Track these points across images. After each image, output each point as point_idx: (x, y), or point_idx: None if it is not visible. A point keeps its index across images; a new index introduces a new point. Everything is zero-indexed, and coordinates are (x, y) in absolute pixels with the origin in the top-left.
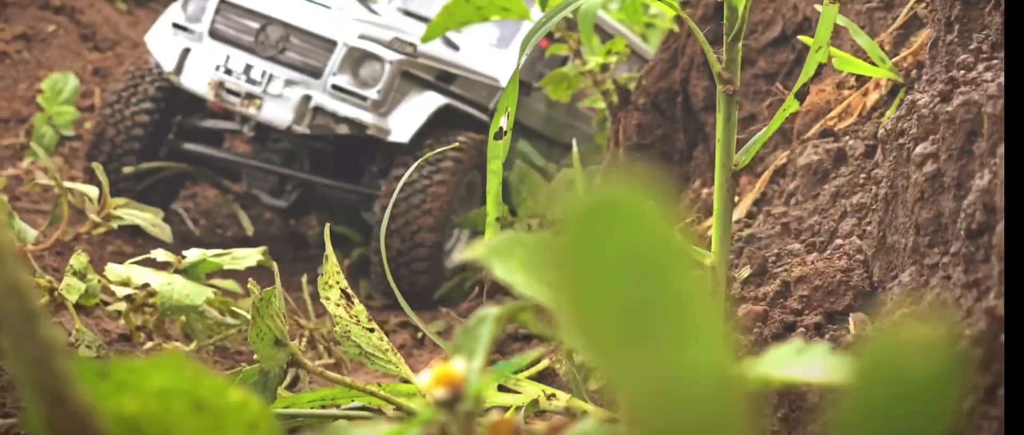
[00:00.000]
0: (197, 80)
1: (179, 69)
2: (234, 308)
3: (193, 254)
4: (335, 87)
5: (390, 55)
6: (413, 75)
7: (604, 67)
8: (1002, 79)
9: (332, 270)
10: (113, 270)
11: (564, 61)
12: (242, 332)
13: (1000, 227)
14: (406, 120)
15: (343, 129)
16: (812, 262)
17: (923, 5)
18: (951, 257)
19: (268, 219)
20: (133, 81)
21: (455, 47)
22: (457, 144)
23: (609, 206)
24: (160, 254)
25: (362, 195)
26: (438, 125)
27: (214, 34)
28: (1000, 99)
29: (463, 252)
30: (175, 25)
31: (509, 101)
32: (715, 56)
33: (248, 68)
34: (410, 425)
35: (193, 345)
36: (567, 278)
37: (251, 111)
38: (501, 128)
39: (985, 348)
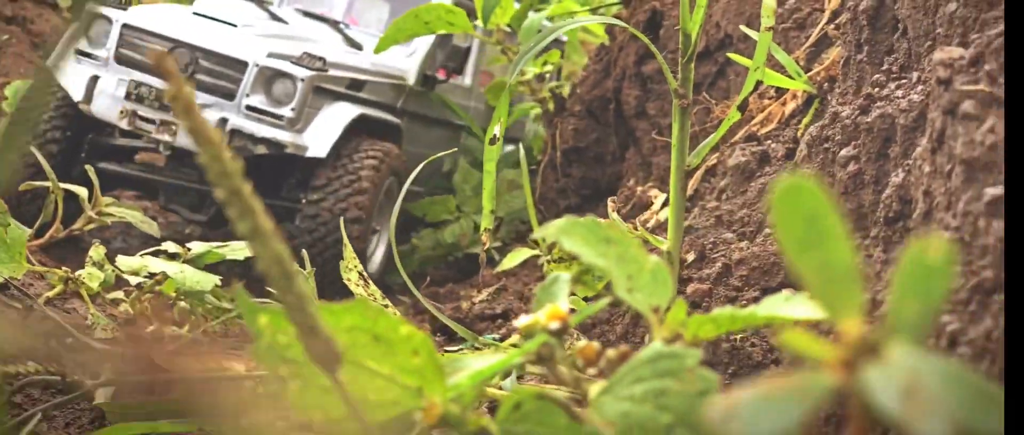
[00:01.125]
0: (108, 109)
1: (88, 98)
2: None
3: (198, 246)
4: (249, 108)
5: (301, 72)
6: (324, 88)
7: (540, 77)
8: (913, 96)
9: (350, 257)
10: (124, 261)
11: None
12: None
13: (916, 212)
14: (322, 135)
15: (261, 149)
16: (747, 248)
17: (833, 27)
18: (871, 240)
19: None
20: (36, 104)
21: (359, 46)
22: (377, 153)
23: (796, 185)
24: (170, 246)
25: (281, 208)
26: (352, 134)
27: (120, 60)
28: (911, 112)
29: (542, 231)
30: (78, 52)
31: (501, 112)
32: (672, 72)
33: (160, 94)
34: (530, 345)
35: (185, 328)
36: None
37: (166, 138)
38: (495, 134)
39: None
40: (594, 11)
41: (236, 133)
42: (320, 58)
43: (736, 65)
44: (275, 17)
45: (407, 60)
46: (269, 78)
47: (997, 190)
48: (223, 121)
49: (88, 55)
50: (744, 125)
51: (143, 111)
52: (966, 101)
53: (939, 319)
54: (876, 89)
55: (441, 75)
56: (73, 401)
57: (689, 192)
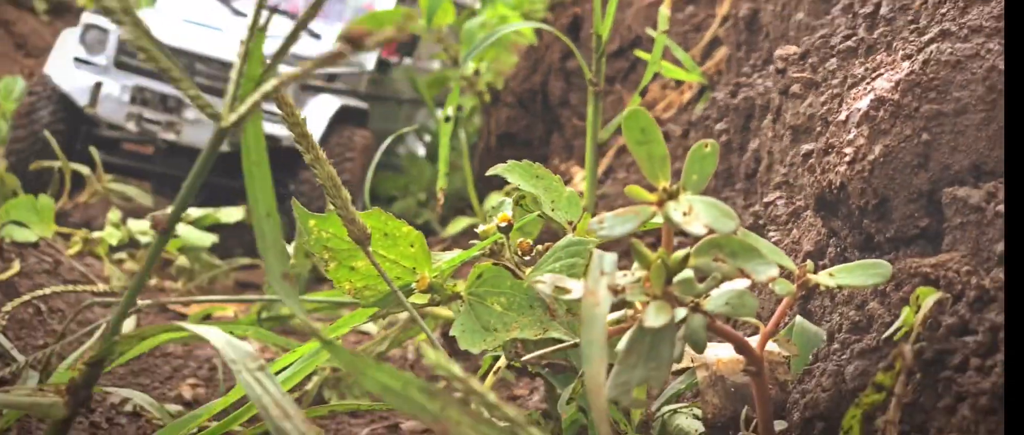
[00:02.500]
0: (115, 112)
1: (94, 102)
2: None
3: (196, 211)
4: None
5: (289, 69)
6: (308, 84)
7: (477, 72)
8: (767, 83)
9: None
10: (134, 223)
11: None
12: (227, 273)
13: (762, 167)
14: (311, 127)
15: None
16: None
17: (722, 30)
18: (736, 191)
19: None
20: (38, 103)
21: (318, 37)
22: (359, 140)
23: (635, 111)
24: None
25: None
26: (335, 123)
27: (121, 66)
28: (766, 95)
29: (493, 170)
30: (78, 59)
31: (453, 99)
32: (588, 65)
33: (164, 97)
34: (487, 241)
35: (180, 282)
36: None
37: (171, 137)
38: (448, 115)
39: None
40: (525, 16)
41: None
42: (300, 56)
43: (646, 61)
44: (238, 13)
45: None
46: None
47: (810, 146)
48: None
49: (87, 62)
50: (650, 111)
51: (148, 113)
52: (794, 84)
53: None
54: (743, 78)
55: (394, 59)
56: None
57: (604, 167)
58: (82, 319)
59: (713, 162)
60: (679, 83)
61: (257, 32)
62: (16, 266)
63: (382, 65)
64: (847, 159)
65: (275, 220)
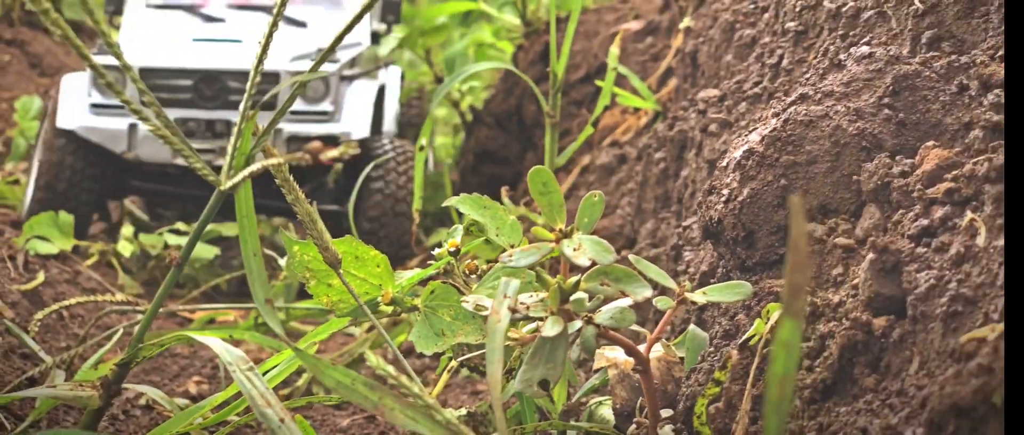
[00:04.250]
0: (158, 151)
1: (132, 146)
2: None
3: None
4: (293, 112)
5: (328, 67)
6: (343, 76)
7: (461, 93)
8: (698, 118)
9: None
10: (146, 237)
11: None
12: (229, 282)
13: (688, 193)
14: (357, 117)
15: (316, 146)
16: (604, 222)
17: (674, 61)
18: (671, 213)
19: None
20: (64, 161)
21: (304, 24)
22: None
23: (539, 169)
24: (180, 225)
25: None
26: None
27: (149, 103)
28: (696, 129)
29: (448, 201)
30: (96, 106)
31: (426, 130)
32: (544, 97)
33: (210, 124)
34: (439, 263)
35: (186, 290)
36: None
37: (222, 164)
38: (422, 145)
39: (678, 250)
40: (509, 39)
41: (293, 139)
42: (303, 55)
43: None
44: (212, 18)
45: (362, 29)
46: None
47: (724, 181)
48: (278, 131)
49: (107, 107)
50: (610, 134)
51: (197, 144)
52: (712, 124)
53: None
54: (681, 112)
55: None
56: None
57: (569, 184)
58: (100, 324)
59: (600, 209)
60: (637, 109)
61: (248, 117)
62: (41, 276)
63: (375, 37)
64: (724, 198)
65: (260, 259)
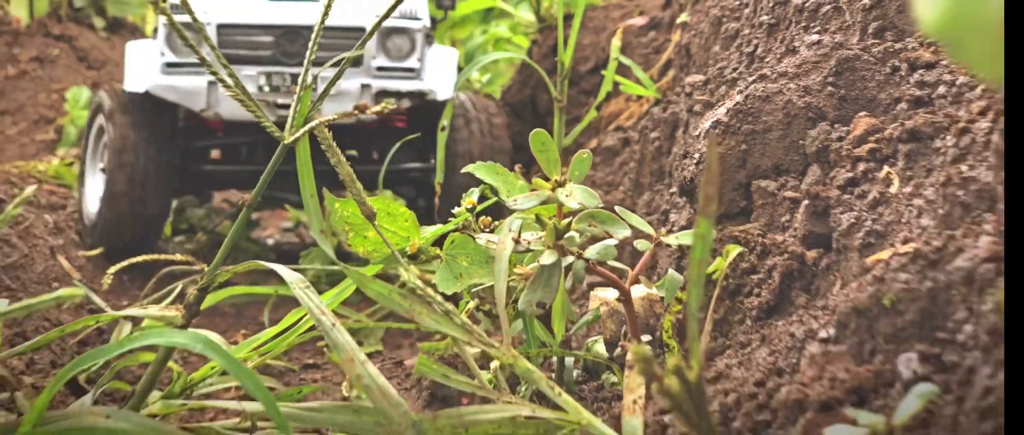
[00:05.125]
0: (240, 108)
1: (212, 103)
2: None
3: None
4: (380, 68)
5: (414, 24)
6: (426, 34)
7: (481, 83)
8: (684, 101)
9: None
10: (194, 210)
11: None
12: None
13: (688, 166)
14: (441, 77)
15: (405, 103)
16: (604, 196)
17: (673, 54)
18: (664, 185)
19: None
20: (134, 128)
21: None
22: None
23: (539, 131)
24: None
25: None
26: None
27: (231, 59)
28: (684, 111)
29: (467, 168)
30: (170, 65)
31: (447, 113)
32: (554, 85)
33: (294, 78)
34: (458, 219)
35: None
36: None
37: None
38: (443, 125)
39: (666, 213)
40: (525, 34)
41: (382, 93)
42: (412, 6)
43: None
44: None
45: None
46: (384, 36)
47: (696, 146)
48: (366, 87)
49: (181, 65)
50: (615, 120)
51: (282, 100)
52: (697, 104)
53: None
54: (674, 96)
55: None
56: None
57: None
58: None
59: (588, 164)
60: (640, 97)
61: (306, 85)
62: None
63: (432, 22)
64: (695, 161)
65: (316, 200)
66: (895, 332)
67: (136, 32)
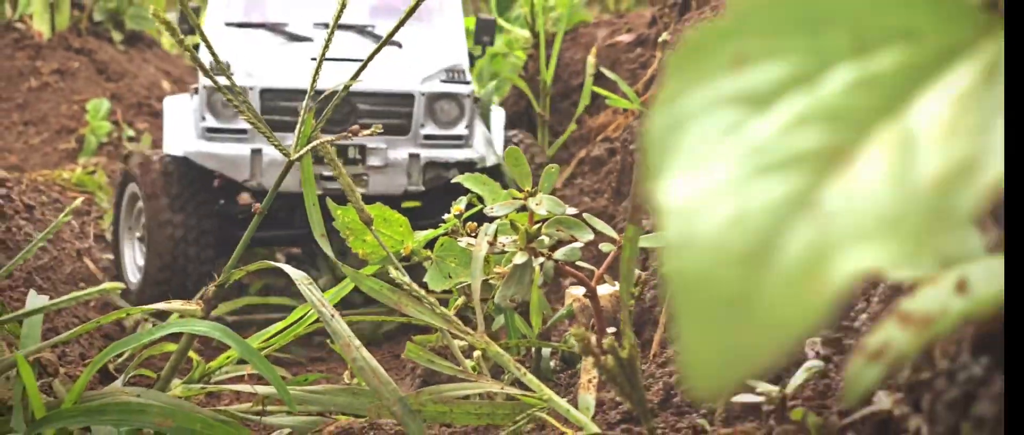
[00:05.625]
0: (293, 179)
1: (255, 173)
2: None
3: None
4: (428, 137)
5: (463, 89)
6: (475, 98)
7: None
8: None
9: None
10: None
11: None
12: (274, 252)
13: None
14: (488, 142)
15: (454, 174)
16: (590, 203)
17: (657, 69)
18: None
19: None
20: (174, 194)
21: (399, 45)
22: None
23: (513, 149)
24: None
25: None
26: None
27: (274, 127)
28: None
29: (458, 178)
30: (211, 130)
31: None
32: (537, 102)
33: (341, 150)
34: (447, 225)
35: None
36: None
37: (359, 190)
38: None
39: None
40: (522, 49)
41: (431, 165)
42: (460, 70)
43: (600, 93)
44: (297, 37)
45: (459, 46)
46: (432, 102)
47: None
48: (415, 157)
49: (225, 131)
50: (603, 131)
51: (328, 171)
52: None
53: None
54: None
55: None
56: None
57: (567, 174)
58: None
59: (555, 177)
60: (626, 109)
61: (307, 115)
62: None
63: (472, 59)
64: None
65: (317, 209)
66: None
67: (153, 45)
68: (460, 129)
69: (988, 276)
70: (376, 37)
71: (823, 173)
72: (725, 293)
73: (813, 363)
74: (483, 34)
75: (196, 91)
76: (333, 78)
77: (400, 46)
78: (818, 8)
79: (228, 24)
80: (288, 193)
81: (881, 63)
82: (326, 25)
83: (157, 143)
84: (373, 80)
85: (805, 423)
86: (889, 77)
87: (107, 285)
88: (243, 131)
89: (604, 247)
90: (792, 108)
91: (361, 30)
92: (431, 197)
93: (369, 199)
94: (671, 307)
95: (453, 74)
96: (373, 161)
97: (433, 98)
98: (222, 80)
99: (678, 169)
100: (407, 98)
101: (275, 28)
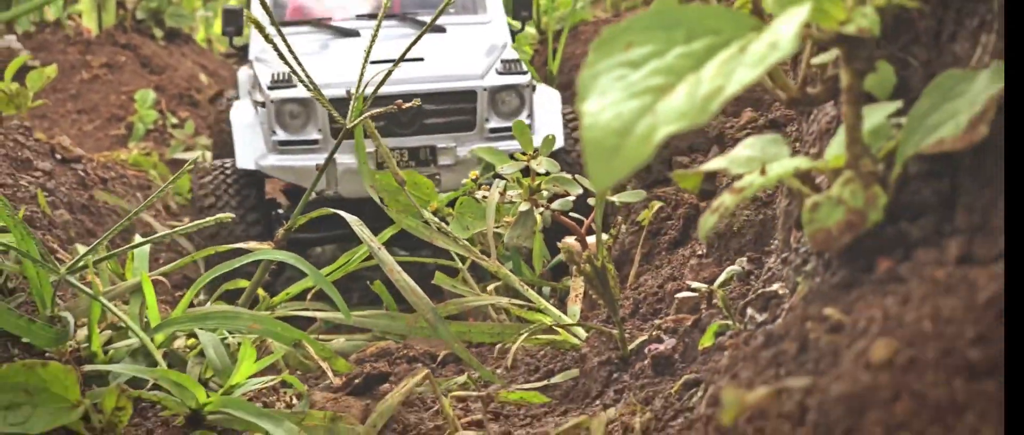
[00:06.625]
0: (360, 186)
1: (332, 183)
2: None
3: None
4: (493, 130)
5: (521, 80)
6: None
7: None
8: None
9: None
10: None
11: None
12: None
13: None
14: (551, 128)
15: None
16: None
17: None
18: None
19: None
20: (247, 216)
21: (443, 29)
22: None
23: (519, 122)
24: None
25: None
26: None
27: (339, 133)
28: None
29: (472, 149)
30: (283, 143)
31: None
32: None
33: (414, 152)
34: (465, 187)
35: None
36: None
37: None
38: None
39: (623, 187)
40: (529, 44)
41: None
42: (514, 60)
43: None
44: (346, 32)
45: (503, 28)
46: (493, 95)
47: None
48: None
49: (296, 143)
50: None
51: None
52: None
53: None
54: None
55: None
56: None
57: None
58: None
59: (553, 143)
60: None
61: (358, 94)
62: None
63: (513, 35)
64: None
65: (368, 165)
66: (739, 247)
67: (190, 41)
68: (522, 118)
69: (779, 166)
70: (419, 24)
71: (658, 97)
72: (609, 147)
73: (733, 268)
74: (521, 9)
75: (262, 105)
76: (404, 80)
77: (444, 31)
78: (670, 18)
79: (274, 25)
80: (350, 200)
81: (697, 46)
82: (371, 16)
83: (199, 130)
84: (435, 81)
85: (721, 305)
86: (699, 52)
87: (221, 216)
88: (314, 142)
89: (592, 201)
90: (650, 68)
91: (403, 18)
92: None
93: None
94: (642, 249)
95: (509, 65)
96: (444, 160)
97: (494, 91)
98: (289, 92)
99: (593, 96)
100: (470, 95)
101: (320, 23)
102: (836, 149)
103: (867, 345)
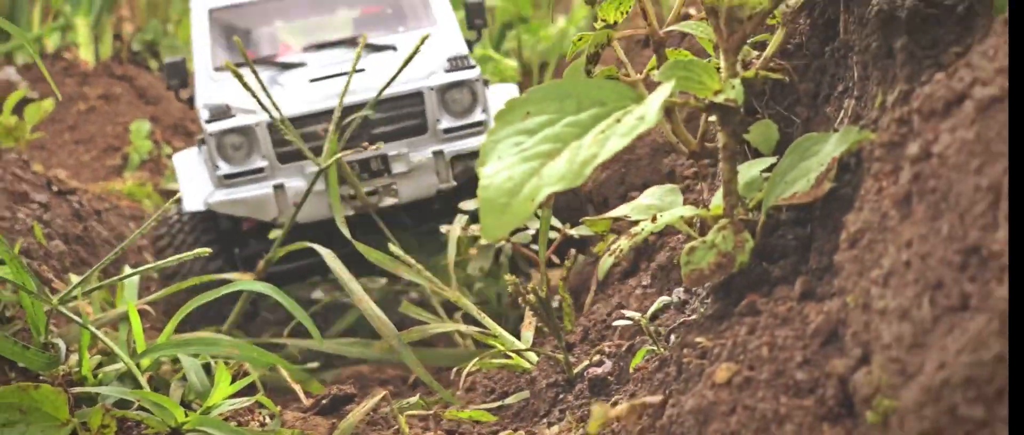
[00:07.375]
0: (317, 208)
1: (285, 209)
2: None
3: None
4: (446, 130)
5: (469, 75)
6: (484, 81)
7: None
8: None
9: None
10: None
11: None
12: None
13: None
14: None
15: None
16: (561, 195)
17: None
18: None
19: None
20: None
21: (394, 49)
22: None
23: None
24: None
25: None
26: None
27: (284, 158)
28: None
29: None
30: (227, 177)
31: None
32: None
33: (365, 163)
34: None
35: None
36: None
37: (391, 201)
38: None
39: None
40: (510, 78)
41: (457, 159)
42: (461, 56)
43: None
44: (292, 65)
45: (455, 36)
46: (442, 94)
47: (597, 171)
48: (439, 154)
49: (241, 175)
50: None
51: (350, 191)
52: None
53: None
54: None
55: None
56: None
57: None
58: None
59: None
60: None
61: (333, 132)
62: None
63: (470, 45)
64: (593, 180)
65: (339, 202)
66: (679, 278)
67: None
68: (476, 116)
69: (668, 215)
70: (369, 46)
71: (545, 162)
72: (500, 205)
73: (665, 298)
74: (475, 17)
75: (202, 142)
76: (349, 92)
77: (395, 49)
78: (564, 89)
79: (218, 68)
80: (307, 224)
81: (584, 116)
82: (316, 47)
83: None
84: (379, 89)
85: (646, 332)
86: (586, 121)
87: (198, 251)
88: (260, 170)
89: (551, 234)
90: (542, 135)
91: (352, 43)
92: (463, 190)
93: (405, 207)
94: (597, 279)
95: (456, 62)
96: (398, 167)
97: (443, 90)
98: (246, 120)
99: (491, 160)
100: (416, 96)
101: (266, 61)
102: (717, 199)
103: (716, 368)
